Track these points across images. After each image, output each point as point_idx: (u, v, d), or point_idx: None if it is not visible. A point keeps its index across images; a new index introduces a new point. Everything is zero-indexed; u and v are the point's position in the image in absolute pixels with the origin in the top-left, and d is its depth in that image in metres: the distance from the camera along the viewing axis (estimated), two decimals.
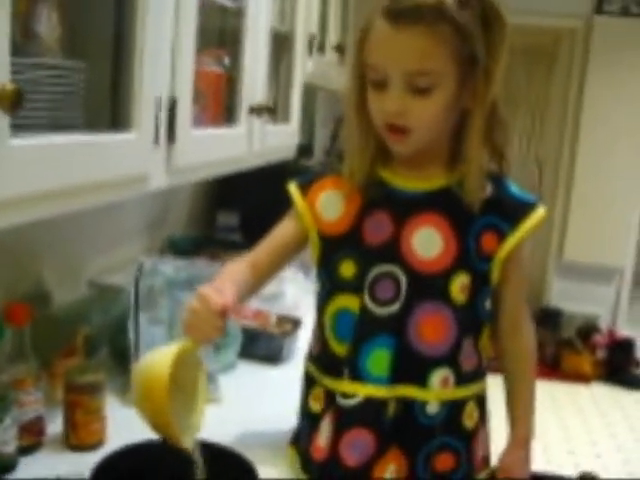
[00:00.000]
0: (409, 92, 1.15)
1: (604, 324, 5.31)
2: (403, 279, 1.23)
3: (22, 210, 0.94)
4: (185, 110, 1.39)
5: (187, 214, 2.65)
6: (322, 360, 1.32)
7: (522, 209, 1.27)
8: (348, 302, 1.27)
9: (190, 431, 1.14)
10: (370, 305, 1.24)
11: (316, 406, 1.32)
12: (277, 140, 2.15)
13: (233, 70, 1.80)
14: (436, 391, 1.25)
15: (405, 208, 1.25)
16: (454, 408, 1.28)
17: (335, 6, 3.02)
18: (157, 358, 1.10)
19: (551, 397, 4.75)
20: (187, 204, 2.66)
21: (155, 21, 1.24)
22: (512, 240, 1.25)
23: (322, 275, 1.32)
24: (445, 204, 1.25)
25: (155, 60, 1.26)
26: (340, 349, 1.28)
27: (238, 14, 1.79)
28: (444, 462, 1.28)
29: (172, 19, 1.32)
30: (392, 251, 1.24)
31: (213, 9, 1.72)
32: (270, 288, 2.04)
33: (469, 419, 1.30)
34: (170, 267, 1.63)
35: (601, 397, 4.81)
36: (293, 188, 1.34)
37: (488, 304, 1.29)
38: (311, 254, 1.33)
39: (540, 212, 1.28)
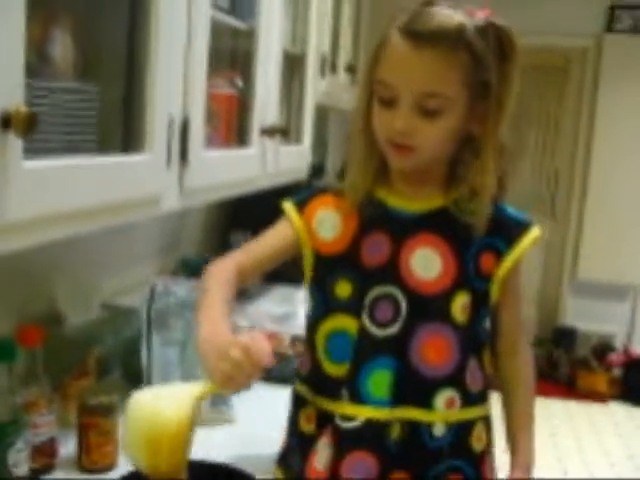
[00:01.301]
0: (417, 113, 1.15)
1: (619, 342, 5.26)
2: (402, 300, 1.23)
3: (35, 232, 0.95)
4: (197, 131, 1.40)
5: (200, 234, 2.66)
6: (314, 381, 1.30)
7: (518, 229, 1.28)
8: (344, 323, 1.26)
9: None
10: (369, 326, 1.23)
11: (308, 427, 1.30)
12: (289, 161, 2.15)
13: (245, 91, 1.81)
14: (441, 413, 1.24)
15: (403, 228, 1.25)
16: (462, 430, 1.27)
17: (347, 27, 3.03)
18: (177, 402, 1.04)
19: (568, 416, 4.71)
20: (200, 224, 2.67)
21: (167, 43, 1.25)
22: (510, 259, 1.26)
23: (315, 294, 1.31)
24: (442, 224, 1.25)
25: (167, 82, 1.26)
26: (334, 370, 1.26)
27: (250, 36, 1.80)
28: None
29: (184, 41, 1.33)
30: (391, 272, 1.24)
31: (225, 31, 1.73)
32: (282, 309, 2.03)
33: (478, 441, 1.29)
34: (183, 288, 1.63)
35: (618, 416, 4.77)
36: (288, 206, 1.32)
37: (487, 324, 1.30)
38: (304, 272, 1.31)
39: (535, 231, 1.29)
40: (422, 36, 1.12)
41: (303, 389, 1.33)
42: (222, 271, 1.26)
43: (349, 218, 1.28)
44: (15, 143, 0.84)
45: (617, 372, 5.05)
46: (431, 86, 1.14)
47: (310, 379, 1.32)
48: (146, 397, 1.09)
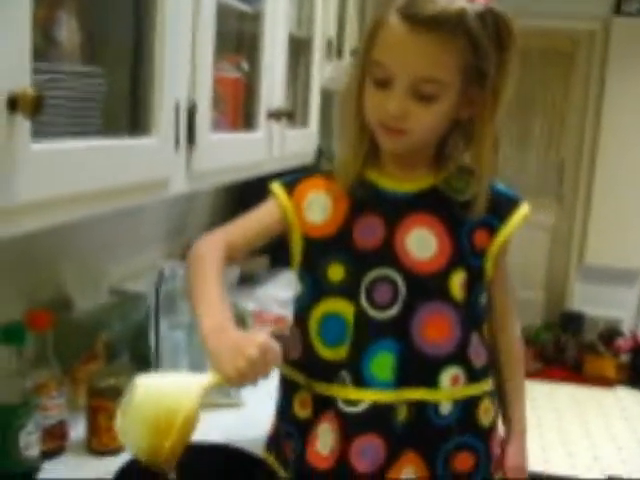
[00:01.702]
0: (412, 97, 1.15)
1: (627, 327, 5.26)
2: (401, 282, 1.23)
3: (43, 215, 0.95)
4: (204, 115, 1.39)
5: (207, 220, 2.66)
6: (307, 365, 1.29)
7: (509, 205, 1.29)
8: (338, 306, 1.25)
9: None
10: (368, 310, 1.23)
11: (304, 412, 1.29)
12: (296, 145, 2.15)
13: (251, 75, 1.81)
14: (447, 391, 1.24)
15: (396, 210, 1.25)
16: (468, 406, 1.28)
17: (353, 11, 3.02)
18: (185, 391, 1.03)
19: (574, 401, 4.72)
20: (207, 210, 2.67)
21: (174, 26, 1.24)
22: (502, 235, 1.27)
23: (306, 277, 1.30)
24: (435, 204, 1.25)
25: (174, 65, 1.26)
26: (330, 354, 1.25)
27: (256, 19, 1.80)
28: (464, 462, 1.27)
29: (190, 24, 1.33)
30: (387, 254, 1.23)
31: (231, 14, 1.73)
32: (289, 293, 2.04)
33: (485, 416, 1.30)
34: None
35: (625, 401, 4.78)
36: (277, 187, 1.31)
37: (484, 300, 1.30)
38: (292, 255, 1.30)
39: (525, 208, 1.29)
40: (422, 20, 1.10)
41: (294, 374, 1.31)
42: (212, 251, 1.25)
43: (340, 200, 1.27)
44: (23, 125, 0.84)
45: (624, 357, 5.05)
46: (428, 71, 1.13)
47: (302, 363, 1.30)
48: (154, 382, 1.08)
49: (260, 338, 1.07)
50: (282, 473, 1.31)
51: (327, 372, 1.26)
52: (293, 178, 1.33)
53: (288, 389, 1.33)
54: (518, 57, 1.18)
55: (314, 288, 1.28)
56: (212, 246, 1.26)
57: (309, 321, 1.28)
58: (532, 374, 4.16)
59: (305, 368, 1.30)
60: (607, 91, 5.13)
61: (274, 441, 1.36)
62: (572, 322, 5.29)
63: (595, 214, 5.29)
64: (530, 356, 4.60)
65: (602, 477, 3.10)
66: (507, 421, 1.39)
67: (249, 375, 1.05)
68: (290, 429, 1.31)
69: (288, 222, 1.29)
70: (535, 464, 3.56)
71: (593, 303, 5.33)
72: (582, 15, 5.10)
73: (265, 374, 1.07)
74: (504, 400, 1.38)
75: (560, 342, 5.21)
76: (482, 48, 1.13)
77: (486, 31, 1.13)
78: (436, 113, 1.17)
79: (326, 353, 1.26)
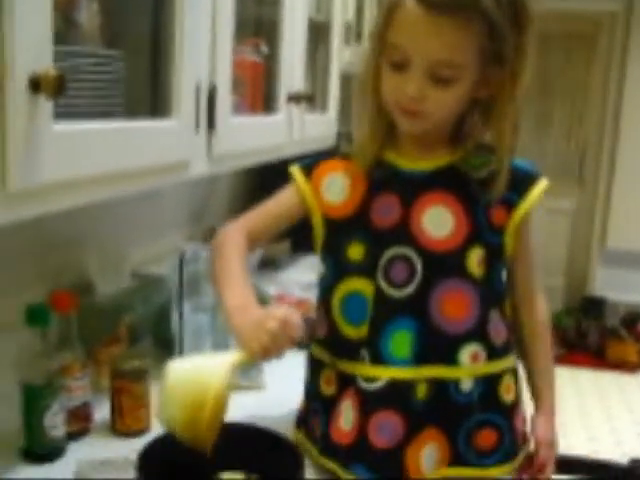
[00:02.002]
0: (429, 79, 1.14)
1: None
2: (417, 260, 1.23)
3: (64, 196, 0.95)
4: (224, 97, 1.40)
5: (228, 204, 2.67)
6: (332, 343, 1.31)
7: (527, 180, 1.28)
8: (359, 285, 1.26)
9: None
10: (386, 288, 1.24)
11: (329, 389, 1.31)
12: (316, 129, 2.15)
13: (271, 59, 1.81)
14: (467, 368, 1.25)
15: (412, 188, 1.25)
16: (489, 383, 1.28)
17: None
18: (214, 369, 1.07)
19: (597, 386, 4.70)
20: (228, 194, 2.68)
21: (193, 9, 1.25)
22: (521, 210, 1.26)
23: (327, 258, 1.31)
24: (451, 181, 1.25)
25: (194, 47, 1.27)
26: (353, 332, 1.27)
27: (275, 3, 1.80)
28: (486, 439, 1.28)
29: (210, 7, 1.33)
30: (403, 233, 1.24)
31: None
32: (310, 277, 2.04)
33: (507, 393, 1.31)
34: None
35: None
36: (296, 170, 1.33)
37: (504, 276, 1.30)
38: (314, 237, 1.32)
39: (543, 182, 1.28)
40: (438, 3, 1.10)
41: (320, 352, 1.34)
42: (235, 237, 1.30)
43: (357, 181, 1.28)
44: (45, 106, 0.85)
45: None
46: (446, 54, 1.13)
47: (328, 342, 1.32)
48: (184, 365, 1.12)
49: (280, 312, 1.13)
50: (311, 448, 1.33)
51: (350, 350, 1.27)
52: (311, 161, 1.34)
53: (315, 367, 1.35)
54: (536, 38, 1.17)
55: (335, 268, 1.30)
56: (234, 232, 1.31)
57: (332, 301, 1.29)
58: (554, 359, 4.15)
59: (330, 346, 1.32)
60: (628, 73, 5.09)
61: (303, 418, 1.38)
62: (594, 307, 5.27)
63: (616, 198, 5.26)
64: (552, 341, 4.59)
65: (624, 460, 3.09)
66: (535, 396, 1.39)
67: (272, 348, 1.11)
68: (316, 406, 1.33)
69: (307, 205, 1.31)
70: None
71: (615, 288, 5.31)
72: None
73: (288, 346, 1.12)
74: (531, 376, 1.39)
75: (582, 327, 5.19)
76: (499, 30, 1.12)
77: (503, 13, 1.12)
78: (453, 95, 1.17)
79: (349, 331, 1.28)
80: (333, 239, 1.29)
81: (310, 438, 1.35)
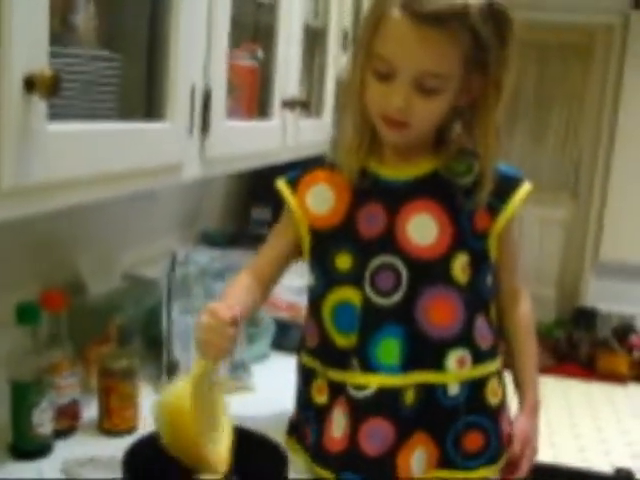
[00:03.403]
0: (415, 90, 1.16)
1: None
2: (402, 268, 1.24)
3: (57, 195, 0.96)
4: (219, 101, 1.41)
5: (221, 208, 2.68)
6: (322, 353, 1.33)
7: (510, 184, 1.29)
8: (347, 294, 1.28)
9: (220, 455, 1.13)
10: (373, 297, 1.25)
11: (320, 398, 1.32)
12: (310, 134, 2.16)
13: (266, 64, 1.82)
14: (454, 373, 1.27)
15: (396, 197, 1.26)
16: (476, 387, 1.30)
17: (368, 2, 3.02)
18: (175, 388, 1.09)
19: (587, 397, 4.71)
20: (221, 199, 2.69)
21: (189, 12, 1.25)
22: (505, 215, 1.28)
23: (316, 269, 1.33)
24: (434, 188, 1.26)
25: (190, 51, 1.27)
26: (343, 341, 1.28)
27: (272, 9, 1.80)
28: (474, 441, 1.30)
29: (206, 10, 1.34)
30: (388, 242, 1.25)
31: (247, 3, 1.74)
32: (301, 281, 2.05)
33: (493, 396, 1.32)
34: (204, 257, 1.66)
35: (637, 397, 4.76)
36: (282, 185, 1.35)
37: (490, 281, 1.31)
38: (302, 248, 1.33)
39: (527, 186, 1.30)
40: (425, 16, 1.11)
41: (311, 361, 1.35)
42: (236, 281, 1.34)
43: (342, 191, 1.30)
44: (39, 105, 0.85)
45: (638, 354, 5.03)
46: (432, 66, 1.14)
47: (318, 351, 1.34)
48: (161, 395, 1.13)
49: (210, 305, 1.16)
50: (303, 456, 1.34)
51: (340, 359, 1.29)
52: (296, 173, 1.36)
53: (306, 376, 1.37)
54: (522, 48, 1.20)
55: (324, 278, 1.31)
56: (239, 276, 1.35)
57: (322, 310, 1.31)
58: (545, 370, 4.16)
59: (321, 356, 1.33)
60: (625, 86, 5.11)
61: (295, 426, 1.40)
62: (585, 318, 5.28)
63: (610, 210, 5.28)
64: (543, 352, 4.60)
65: (610, 469, 3.12)
66: (519, 395, 1.41)
67: (212, 342, 1.13)
68: (308, 415, 1.35)
69: (294, 218, 1.32)
70: (546, 458, 3.57)
71: (607, 299, 5.32)
72: (600, 9, 5.07)
73: (226, 335, 1.13)
74: (516, 375, 1.41)
75: (573, 338, 5.20)
76: (484, 42, 1.14)
77: (488, 25, 1.13)
78: (438, 105, 1.19)
79: (340, 340, 1.29)
80: (320, 250, 1.31)
81: (302, 445, 1.36)
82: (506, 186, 1.28)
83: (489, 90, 1.19)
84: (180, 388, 1.08)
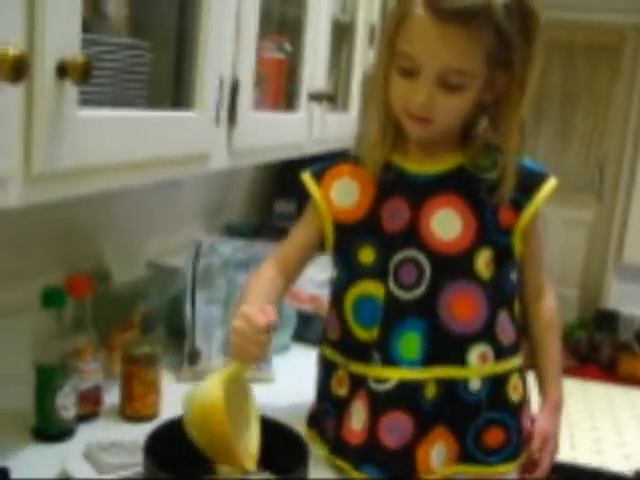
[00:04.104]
0: (438, 87, 1.16)
1: None
2: (425, 262, 1.24)
3: (84, 182, 0.97)
4: (246, 92, 1.41)
5: (245, 200, 2.68)
6: (344, 346, 1.33)
7: (535, 180, 1.28)
8: (370, 288, 1.28)
9: (249, 453, 1.14)
10: (395, 290, 1.25)
11: (341, 390, 1.33)
12: (336, 128, 2.16)
13: (294, 57, 1.82)
14: (476, 368, 1.27)
15: (420, 192, 1.26)
16: (498, 383, 1.30)
17: None
18: (208, 387, 1.09)
19: (607, 400, 4.68)
20: (245, 191, 2.69)
21: (219, 4, 1.26)
22: (529, 211, 1.27)
23: (339, 262, 1.33)
24: (459, 184, 1.26)
25: (218, 41, 1.28)
26: (365, 334, 1.29)
27: (300, 2, 1.81)
28: (495, 437, 1.30)
29: (236, 2, 1.34)
30: (412, 236, 1.25)
31: None
32: (324, 274, 2.06)
33: (515, 392, 1.32)
34: (228, 247, 1.66)
35: None
36: (307, 177, 1.36)
37: (514, 277, 1.31)
38: (326, 241, 1.34)
39: (552, 182, 1.29)
40: (449, 13, 1.10)
41: (332, 354, 1.36)
42: (264, 270, 1.34)
43: (366, 185, 1.30)
44: (71, 91, 0.86)
45: None
46: (456, 63, 1.14)
47: (340, 344, 1.34)
48: (194, 387, 1.12)
49: (244, 308, 1.15)
50: (323, 447, 1.35)
51: (361, 352, 1.29)
52: (321, 166, 1.37)
53: (327, 368, 1.37)
54: (548, 47, 1.19)
55: (347, 272, 1.32)
56: (265, 267, 1.35)
57: (345, 304, 1.32)
58: (565, 371, 4.15)
59: (342, 348, 1.34)
60: None
61: (315, 418, 1.40)
62: (607, 320, 5.24)
63: (635, 212, 5.23)
64: (564, 353, 4.58)
65: (630, 470, 3.10)
66: (542, 392, 1.40)
67: (245, 346, 1.13)
68: (328, 407, 1.35)
69: (319, 211, 1.33)
70: (565, 459, 3.55)
71: (629, 302, 5.28)
72: (629, 9, 5.03)
73: (260, 341, 1.13)
74: (539, 373, 1.40)
75: (594, 340, 5.16)
76: (509, 39, 1.13)
77: (513, 22, 1.13)
78: (462, 102, 1.18)
79: (361, 334, 1.30)
80: (344, 243, 1.31)
81: (322, 437, 1.37)
82: (531, 182, 1.28)
83: (513, 87, 1.19)
84: (213, 388, 1.07)
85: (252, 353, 1.14)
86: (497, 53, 1.14)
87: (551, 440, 1.37)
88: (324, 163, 1.37)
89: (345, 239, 1.31)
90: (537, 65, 1.18)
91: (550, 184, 1.28)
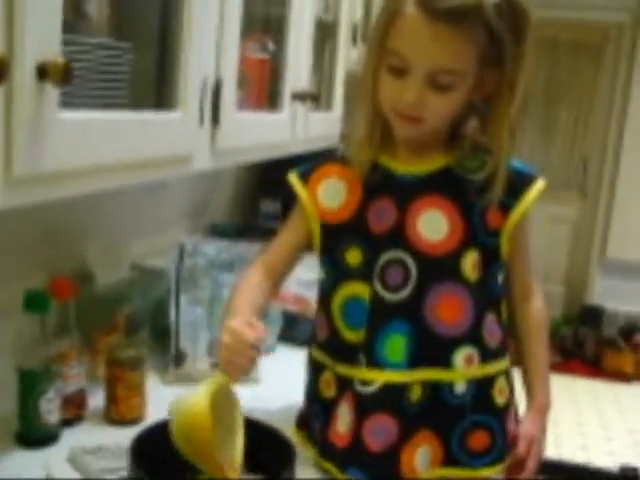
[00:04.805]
0: (428, 86, 1.15)
1: None
2: (411, 264, 1.24)
3: (67, 184, 0.96)
4: (230, 92, 1.41)
5: (230, 201, 2.68)
6: (332, 347, 1.32)
7: (524, 181, 1.27)
8: (357, 289, 1.27)
9: (234, 464, 1.13)
10: (381, 291, 1.25)
11: (329, 392, 1.32)
12: (320, 128, 2.16)
13: (277, 56, 1.82)
14: (461, 370, 1.25)
15: (407, 193, 1.26)
16: (483, 386, 1.29)
17: None
18: (194, 399, 1.08)
19: (592, 395, 4.71)
20: (230, 191, 2.69)
21: (201, 4, 1.25)
22: (517, 212, 1.26)
23: (326, 263, 1.33)
24: (446, 184, 1.25)
25: (201, 42, 1.27)
26: (352, 336, 1.28)
27: (283, 1, 1.80)
28: (479, 440, 1.29)
29: (218, 2, 1.33)
30: (398, 237, 1.24)
31: None
32: (311, 274, 2.05)
33: (500, 395, 1.31)
34: (212, 248, 1.66)
35: None
36: (293, 178, 1.35)
37: (501, 279, 1.30)
38: (313, 242, 1.33)
39: (540, 184, 1.28)
40: (440, 12, 1.10)
41: (321, 355, 1.35)
42: (250, 275, 1.33)
43: (353, 185, 1.30)
44: (51, 93, 0.85)
45: None
46: (446, 63, 1.14)
47: (328, 346, 1.34)
48: (181, 398, 1.11)
49: (232, 323, 1.13)
50: (311, 450, 1.34)
51: (348, 354, 1.28)
52: (308, 167, 1.36)
53: (315, 370, 1.37)
54: (534, 45, 1.18)
55: (335, 273, 1.31)
56: (251, 271, 1.34)
57: (332, 305, 1.31)
58: (551, 367, 4.17)
59: (330, 350, 1.33)
60: (634, 85, 5.09)
61: (304, 420, 1.39)
62: (591, 316, 5.27)
63: (618, 208, 5.26)
64: (549, 340, 4.60)
65: (615, 466, 3.11)
66: (528, 394, 1.38)
67: (234, 360, 1.11)
68: (317, 409, 1.35)
69: (306, 212, 1.32)
70: (550, 455, 3.56)
71: (613, 298, 5.31)
72: (611, 7, 5.05)
73: (247, 356, 1.11)
74: (526, 374, 1.38)
75: (579, 336, 5.19)
76: (500, 38, 1.13)
77: (504, 21, 1.12)
78: (452, 101, 1.18)
79: (349, 335, 1.29)
80: (331, 244, 1.30)
81: (310, 439, 1.36)
82: (519, 183, 1.27)
83: (503, 86, 1.18)
84: (200, 400, 1.06)
85: (241, 367, 1.12)
86: (488, 53, 1.14)
87: (537, 444, 1.34)
88: (311, 163, 1.36)
89: (332, 240, 1.30)
90: (528, 64, 1.18)
91: (538, 186, 1.28)
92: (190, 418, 1.06)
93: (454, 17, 1.10)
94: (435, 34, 1.11)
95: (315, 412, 1.35)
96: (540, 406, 1.37)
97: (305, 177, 1.34)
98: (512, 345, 1.37)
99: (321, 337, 1.35)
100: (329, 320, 1.32)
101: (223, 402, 1.13)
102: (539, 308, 1.39)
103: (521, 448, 1.32)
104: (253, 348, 1.12)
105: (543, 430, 1.37)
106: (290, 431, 1.25)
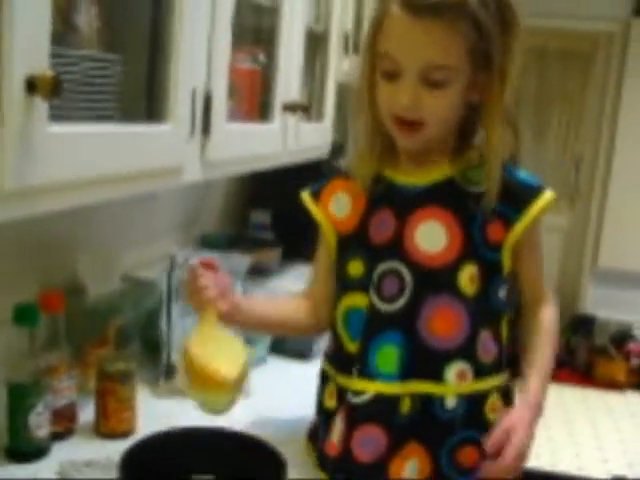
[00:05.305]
0: (422, 85, 1.15)
1: (639, 331, 5.24)
2: (407, 274, 1.23)
3: (58, 197, 0.95)
4: (220, 104, 1.40)
5: (220, 212, 2.67)
6: (335, 358, 1.33)
7: (527, 194, 1.24)
8: (357, 300, 1.28)
9: (230, 368, 1.18)
10: (377, 302, 1.25)
11: (330, 403, 1.32)
12: (311, 138, 2.16)
13: (268, 67, 1.82)
14: (453, 385, 1.23)
15: (407, 204, 1.25)
16: (475, 401, 1.26)
17: (370, 6, 3.02)
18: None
19: (584, 404, 4.71)
20: (220, 202, 2.68)
21: (191, 15, 1.25)
22: (519, 227, 1.23)
23: (335, 274, 1.34)
24: (447, 196, 1.24)
25: (191, 53, 1.27)
26: (352, 347, 1.28)
27: (274, 12, 1.81)
28: (469, 456, 1.25)
29: (208, 13, 1.34)
30: (395, 248, 1.24)
31: (249, 7, 1.74)
32: (300, 285, 2.05)
33: (492, 412, 1.27)
34: None
35: (635, 405, 4.76)
36: (306, 197, 1.37)
37: (503, 294, 1.27)
38: (329, 255, 1.35)
39: (547, 196, 1.25)
40: (423, 8, 1.11)
41: (327, 366, 1.36)
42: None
43: (358, 198, 1.31)
44: (41, 107, 0.85)
45: (635, 361, 5.02)
46: (436, 58, 1.14)
47: (333, 356, 1.35)
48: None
49: (193, 265, 1.27)
50: (314, 460, 1.35)
51: (348, 364, 1.28)
52: (319, 185, 1.38)
53: (322, 381, 1.37)
54: (522, 38, 1.18)
55: (339, 284, 1.32)
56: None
57: (337, 316, 1.32)
58: None
59: (334, 361, 1.34)
60: (624, 93, 5.11)
61: (314, 431, 1.39)
62: (583, 325, 5.27)
63: (609, 217, 5.27)
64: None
65: (607, 477, 3.11)
66: (522, 390, 1.28)
67: (192, 294, 1.24)
68: (321, 419, 1.35)
69: (323, 229, 1.34)
70: (542, 465, 3.56)
71: (605, 306, 5.32)
72: (601, 16, 5.08)
73: (202, 282, 1.22)
74: (524, 370, 1.29)
75: (571, 345, 5.19)
76: (486, 30, 1.14)
77: (488, 12, 1.13)
78: (447, 99, 1.17)
79: (349, 346, 1.29)
80: (338, 256, 1.32)
81: (315, 450, 1.36)
82: (523, 195, 1.24)
83: (494, 80, 1.18)
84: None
85: (198, 304, 1.23)
86: (476, 45, 1.14)
87: (517, 432, 1.17)
88: (320, 181, 1.38)
89: (340, 252, 1.32)
90: (516, 57, 1.18)
91: (545, 198, 1.24)
92: (182, 354, 1.18)
93: (437, 11, 1.10)
94: (421, 31, 1.12)
95: (320, 423, 1.36)
96: (531, 401, 1.24)
97: (316, 194, 1.36)
98: (521, 355, 1.32)
99: (329, 348, 1.37)
100: (334, 331, 1.33)
101: (215, 333, 1.22)
102: (550, 315, 1.34)
103: (497, 432, 1.18)
104: (202, 270, 1.23)
105: (528, 423, 1.20)
106: (281, 443, 1.24)
